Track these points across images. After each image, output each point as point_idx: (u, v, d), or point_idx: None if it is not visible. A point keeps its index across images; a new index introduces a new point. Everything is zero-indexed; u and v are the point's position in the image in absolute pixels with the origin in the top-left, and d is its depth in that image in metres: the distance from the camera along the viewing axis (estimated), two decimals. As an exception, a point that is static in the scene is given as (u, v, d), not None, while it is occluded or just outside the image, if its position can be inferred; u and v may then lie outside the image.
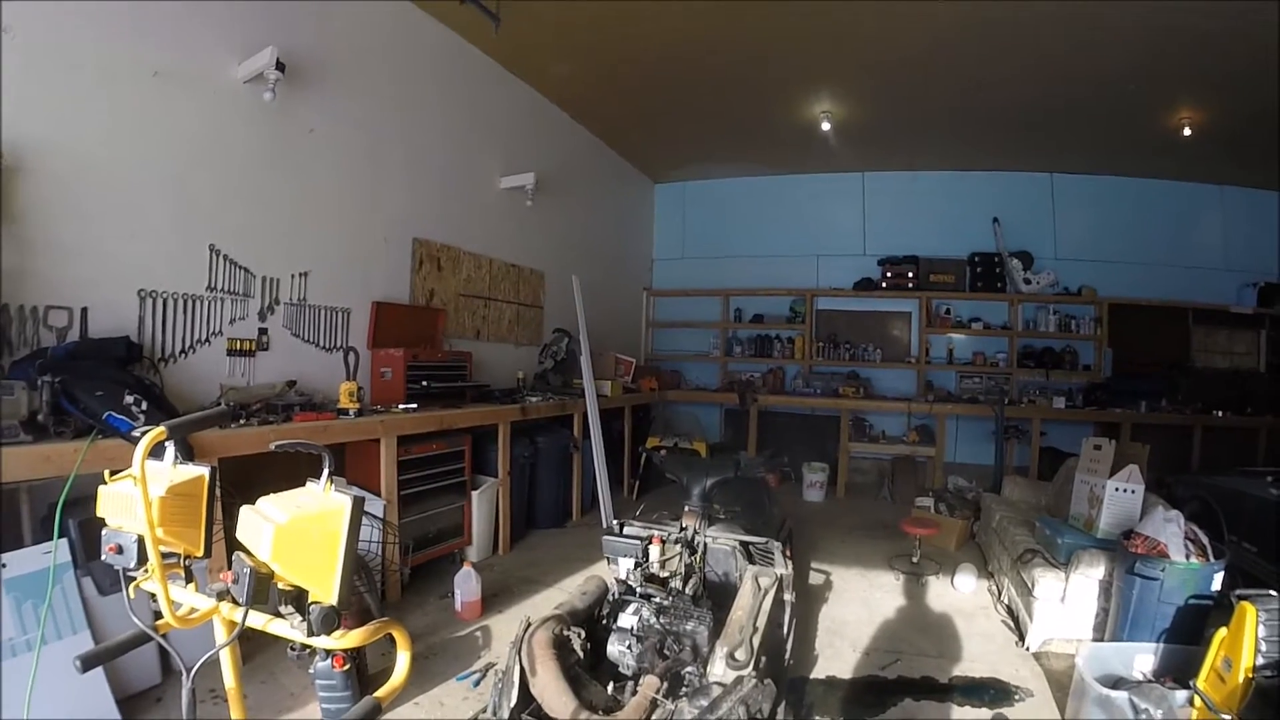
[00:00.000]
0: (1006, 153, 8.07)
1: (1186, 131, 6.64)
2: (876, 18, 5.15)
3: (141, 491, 1.37)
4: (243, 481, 2.81)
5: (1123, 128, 6.90)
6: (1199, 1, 4.53)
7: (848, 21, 5.25)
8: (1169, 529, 3.11)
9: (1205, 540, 3.13)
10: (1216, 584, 2.99)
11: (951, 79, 6.11)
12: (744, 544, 2.96)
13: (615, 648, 2.24)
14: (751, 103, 7.01)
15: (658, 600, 2.41)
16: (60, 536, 2.66)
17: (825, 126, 7.22)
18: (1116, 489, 3.77)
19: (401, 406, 4.42)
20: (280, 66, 3.78)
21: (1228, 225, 8.25)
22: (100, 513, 1.48)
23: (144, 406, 2.85)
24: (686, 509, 3.06)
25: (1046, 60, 5.60)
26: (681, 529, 2.92)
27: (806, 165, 9.01)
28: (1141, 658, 2.95)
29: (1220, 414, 7.37)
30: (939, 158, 8.47)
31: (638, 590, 2.54)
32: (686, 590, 2.55)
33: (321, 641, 1.48)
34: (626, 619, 2.36)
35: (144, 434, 1.39)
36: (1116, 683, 2.83)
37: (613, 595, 2.61)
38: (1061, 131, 7.17)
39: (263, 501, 1.51)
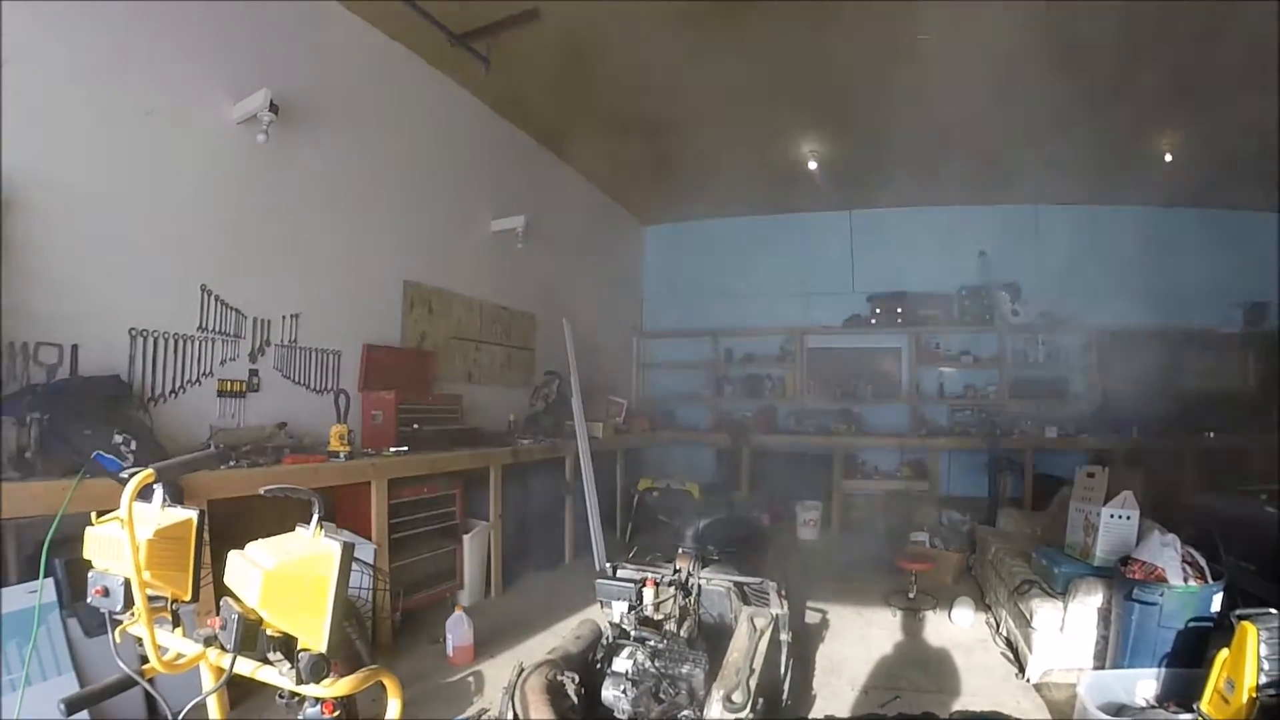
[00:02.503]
0: (991, 186, 8.15)
1: (1168, 157, 6.74)
2: (851, 54, 5.25)
3: (129, 534, 1.36)
4: (231, 524, 2.78)
5: (1104, 155, 6.97)
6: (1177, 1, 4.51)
7: (822, 60, 5.35)
8: (1166, 553, 3.11)
9: (1203, 562, 3.13)
10: (1216, 605, 2.99)
11: (929, 112, 6.14)
12: (738, 584, 2.95)
13: (610, 692, 2.21)
14: (735, 143, 7.09)
15: (652, 643, 2.39)
16: (46, 576, 2.62)
17: (812, 165, 7.30)
18: (1111, 515, 3.75)
19: (392, 450, 4.38)
20: (274, 108, 3.81)
21: (1211, 247, 8.25)
22: (87, 554, 1.47)
23: (133, 446, 2.84)
24: (680, 551, 3.05)
25: (1024, 88, 5.63)
26: (675, 571, 2.90)
27: (793, 205, 9.10)
28: (1144, 684, 2.93)
29: (1212, 435, 7.37)
30: (923, 193, 8.53)
31: (632, 634, 2.52)
32: (681, 633, 2.53)
33: (311, 689, 1.46)
34: (621, 663, 2.33)
35: (132, 475, 1.38)
36: (1119, 710, 2.81)
37: (607, 639, 2.59)
38: (1044, 162, 7.21)
39: (252, 546, 1.49)
